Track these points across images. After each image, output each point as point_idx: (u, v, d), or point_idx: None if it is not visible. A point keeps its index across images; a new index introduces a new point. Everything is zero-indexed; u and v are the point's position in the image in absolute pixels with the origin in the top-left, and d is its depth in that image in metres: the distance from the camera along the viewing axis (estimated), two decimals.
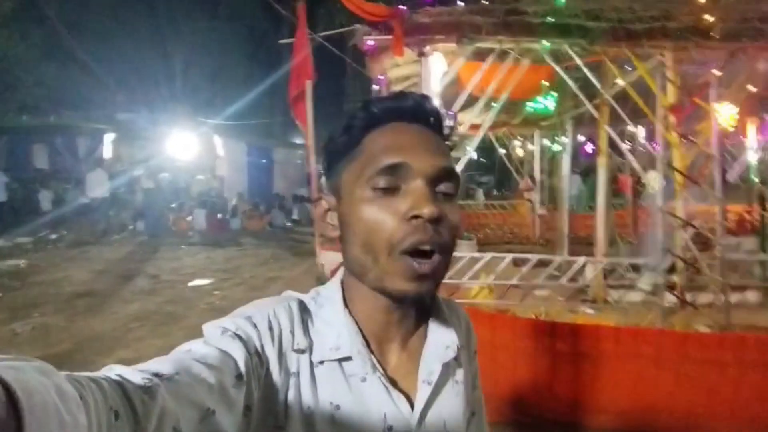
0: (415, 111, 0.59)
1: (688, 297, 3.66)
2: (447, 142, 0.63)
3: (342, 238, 0.60)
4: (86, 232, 10.44)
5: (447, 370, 0.63)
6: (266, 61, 14.27)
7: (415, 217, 0.54)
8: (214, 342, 0.52)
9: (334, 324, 0.60)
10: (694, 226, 3.54)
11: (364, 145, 0.59)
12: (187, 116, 13.10)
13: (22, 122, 12.31)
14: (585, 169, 14.60)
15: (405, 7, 3.55)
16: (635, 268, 4.64)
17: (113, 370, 0.41)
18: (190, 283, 6.72)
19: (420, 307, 0.65)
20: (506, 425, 2.97)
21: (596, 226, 5.72)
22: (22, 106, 12.63)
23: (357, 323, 0.60)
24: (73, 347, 4.43)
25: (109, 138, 13.32)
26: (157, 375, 0.43)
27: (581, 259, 3.92)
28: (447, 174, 0.58)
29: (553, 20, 3.39)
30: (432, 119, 0.61)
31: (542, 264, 4.12)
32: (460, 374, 0.66)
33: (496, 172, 17.26)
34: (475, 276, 3.74)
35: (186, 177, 13.34)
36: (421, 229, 0.54)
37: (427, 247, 0.54)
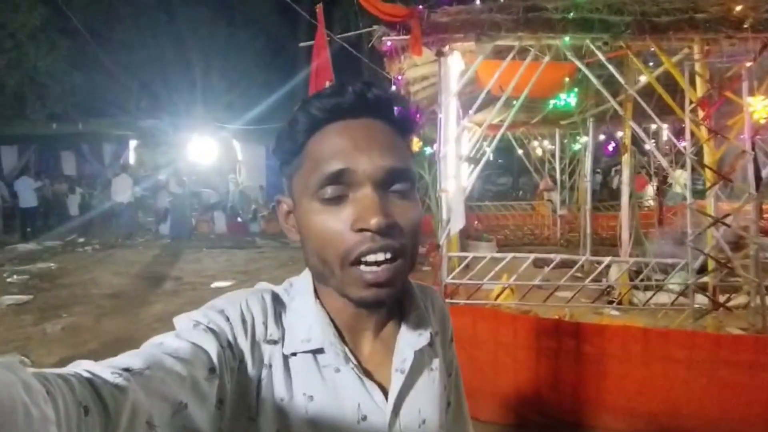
0: (357, 104, 0.55)
1: (721, 299, 3.53)
2: (402, 130, 0.58)
3: (301, 242, 0.59)
4: (112, 236, 10.71)
5: (421, 357, 0.63)
6: (284, 66, 14.44)
7: (363, 229, 0.52)
8: (187, 335, 0.52)
9: (305, 316, 0.59)
10: (726, 224, 3.41)
11: (306, 151, 0.56)
12: (207, 121, 13.34)
13: (52, 130, 12.73)
14: (606, 168, 14.32)
15: (422, 7, 3.53)
16: (662, 269, 4.50)
17: (81, 366, 0.41)
18: (212, 285, 6.81)
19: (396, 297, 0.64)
20: (526, 428, 2.91)
21: (620, 226, 5.59)
22: (51, 114, 13.06)
23: (329, 315, 0.60)
24: (100, 347, 4.53)
25: (132, 144, 13.67)
26: (127, 370, 0.43)
27: (606, 260, 3.82)
28: (398, 174, 0.55)
29: (574, 15, 3.32)
30: (379, 109, 0.56)
31: (565, 265, 4.02)
32: (435, 362, 0.65)
33: (515, 172, 17.06)
34: (496, 277, 3.68)
35: (213, 181, 13.57)
36: (369, 240, 0.52)
37: (379, 257, 0.52)
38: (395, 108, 0.57)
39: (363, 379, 0.58)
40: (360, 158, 0.53)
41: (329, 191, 0.53)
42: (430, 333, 0.64)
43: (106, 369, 0.41)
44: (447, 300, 3.42)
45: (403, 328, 0.63)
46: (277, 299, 0.62)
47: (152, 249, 9.81)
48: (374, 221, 0.51)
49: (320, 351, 0.58)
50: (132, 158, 13.74)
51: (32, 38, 12.25)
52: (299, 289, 0.62)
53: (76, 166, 13.72)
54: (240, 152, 14.61)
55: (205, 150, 12.84)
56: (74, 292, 6.47)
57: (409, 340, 0.62)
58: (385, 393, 0.59)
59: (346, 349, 0.59)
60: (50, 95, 13.02)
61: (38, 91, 12.99)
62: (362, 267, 0.53)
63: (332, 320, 0.60)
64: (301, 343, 0.58)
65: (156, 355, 0.47)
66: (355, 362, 0.58)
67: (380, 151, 0.54)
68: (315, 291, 0.61)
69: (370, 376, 0.60)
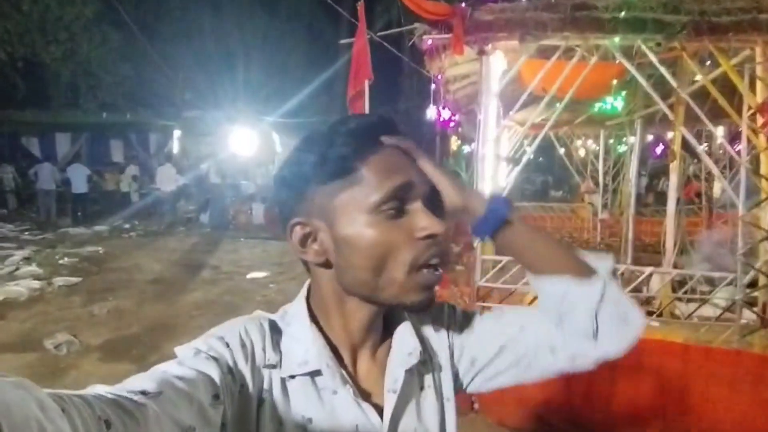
0: (389, 132, 0.61)
1: None
2: None
3: (335, 262, 0.60)
4: (155, 223, 11.16)
5: (412, 376, 0.65)
6: (323, 60, 14.58)
7: (429, 236, 0.58)
8: (189, 363, 0.54)
9: (301, 340, 0.62)
10: None
11: (361, 171, 0.58)
12: (247, 113, 13.63)
13: (102, 119, 13.40)
14: (653, 171, 13.69)
15: (465, 5, 3.48)
16: (709, 281, 4.28)
17: (97, 389, 0.44)
18: (247, 276, 6.98)
19: (386, 318, 0.67)
20: None
21: (665, 233, 5.34)
22: (102, 104, 13.75)
23: (326, 337, 0.62)
24: (142, 331, 4.74)
25: (176, 134, 14.17)
26: (143, 392, 0.45)
27: (647, 269, 3.67)
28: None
29: (625, 14, 3.18)
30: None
31: None
32: (427, 379, 0.67)
33: (554, 172, 16.59)
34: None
35: (252, 172, 13.89)
36: (433, 245, 0.58)
37: (439, 260, 0.59)
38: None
39: (359, 401, 0.60)
40: (414, 176, 0.60)
41: (391, 204, 0.58)
42: (420, 351, 0.65)
43: (124, 390, 0.44)
44: (479, 303, 3.39)
45: (394, 349, 0.65)
46: (273, 326, 0.64)
47: (192, 237, 10.17)
48: (439, 228, 0.58)
49: (318, 373, 0.60)
50: (175, 148, 14.24)
51: (86, 30, 12.89)
52: (294, 314, 0.65)
53: (124, 154, 14.36)
54: (279, 144, 14.85)
55: (245, 141, 13.13)
56: (119, 276, 6.77)
57: (399, 360, 0.64)
58: (381, 413, 0.61)
59: (343, 372, 0.61)
60: (102, 86, 13.71)
61: (90, 81, 13.70)
62: (425, 271, 0.58)
63: (329, 343, 0.62)
64: (298, 366, 0.60)
65: (166, 379, 0.49)
66: (351, 384, 0.60)
67: (420, 171, 0.61)
68: (310, 316, 0.64)
69: (367, 397, 0.62)
